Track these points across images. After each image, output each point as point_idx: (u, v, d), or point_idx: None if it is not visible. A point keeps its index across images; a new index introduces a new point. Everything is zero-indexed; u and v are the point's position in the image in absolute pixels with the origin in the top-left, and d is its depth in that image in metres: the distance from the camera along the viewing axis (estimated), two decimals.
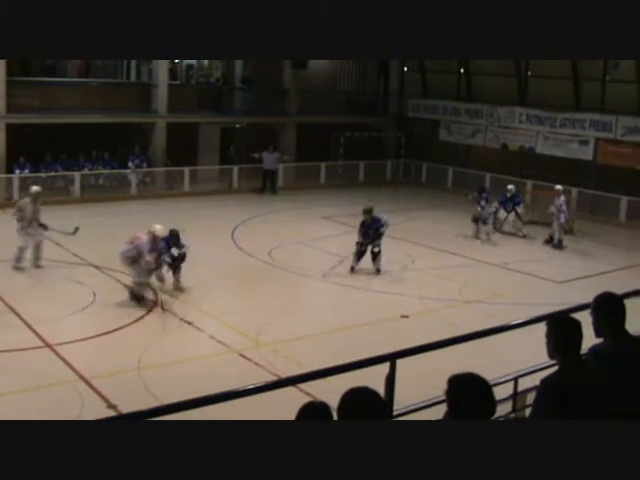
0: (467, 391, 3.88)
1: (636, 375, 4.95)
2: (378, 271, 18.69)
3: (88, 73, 32.60)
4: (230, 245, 21.41)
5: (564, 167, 29.18)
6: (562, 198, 23.16)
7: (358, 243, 18.85)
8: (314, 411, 3.87)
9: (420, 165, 34.88)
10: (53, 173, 27.60)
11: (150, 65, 30.97)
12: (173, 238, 16.70)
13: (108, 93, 30.08)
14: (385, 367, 5.92)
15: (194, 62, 35.22)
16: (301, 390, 9.00)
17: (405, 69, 37.25)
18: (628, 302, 5.40)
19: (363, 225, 18.92)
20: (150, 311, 15.33)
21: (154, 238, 15.79)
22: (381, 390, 4.79)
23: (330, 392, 5.66)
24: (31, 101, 27.63)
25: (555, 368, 4.89)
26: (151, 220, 23.08)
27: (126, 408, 9.46)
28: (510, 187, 24.87)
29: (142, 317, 15.02)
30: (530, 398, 6.65)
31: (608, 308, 5.20)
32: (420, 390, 6.98)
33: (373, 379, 4.56)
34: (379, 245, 18.70)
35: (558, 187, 23.55)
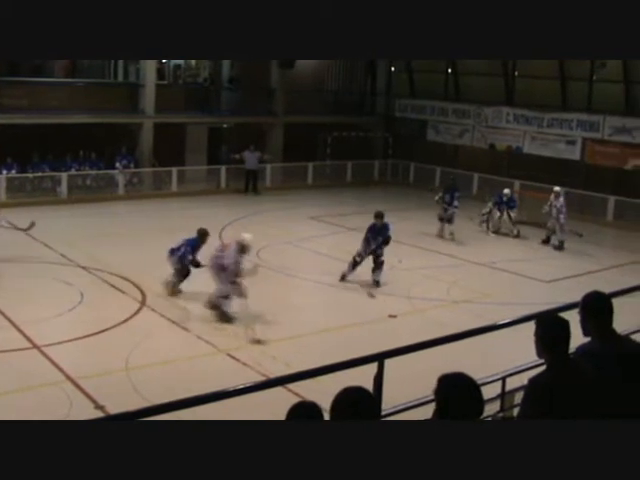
0: (456, 391, 3.89)
1: (622, 374, 4.96)
2: (377, 283, 17.93)
3: (74, 73, 32.46)
4: (218, 245, 21.36)
5: (552, 167, 29.30)
6: (561, 199, 23.24)
7: (364, 252, 17.92)
8: (304, 411, 3.87)
9: (408, 165, 34.92)
10: (40, 174, 27.52)
11: (137, 65, 30.88)
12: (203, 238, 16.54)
13: (95, 93, 29.98)
14: (373, 367, 5.92)
15: (181, 62, 35.15)
16: (290, 390, 9.00)
17: (392, 69, 37.30)
18: (616, 301, 5.41)
19: (372, 229, 18.08)
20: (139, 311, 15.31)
21: (242, 248, 15.00)
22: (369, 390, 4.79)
23: (319, 392, 5.67)
24: (18, 101, 27.53)
25: (543, 367, 4.90)
26: (139, 220, 23.05)
27: (114, 409, 9.45)
28: (506, 191, 25.01)
29: (130, 318, 14.99)
30: (518, 397, 6.67)
31: (595, 307, 5.21)
32: (408, 390, 6.98)
33: (361, 379, 4.55)
34: (383, 254, 17.98)
35: (557, 189, 23.64)
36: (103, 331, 14.18)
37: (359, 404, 3.68)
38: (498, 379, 7.17)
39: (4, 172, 26.85)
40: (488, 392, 5.65)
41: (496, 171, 30.55)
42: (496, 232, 24.69)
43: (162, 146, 29.74)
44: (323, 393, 3.95)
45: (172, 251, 16.31)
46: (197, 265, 16.38)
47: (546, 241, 23.51)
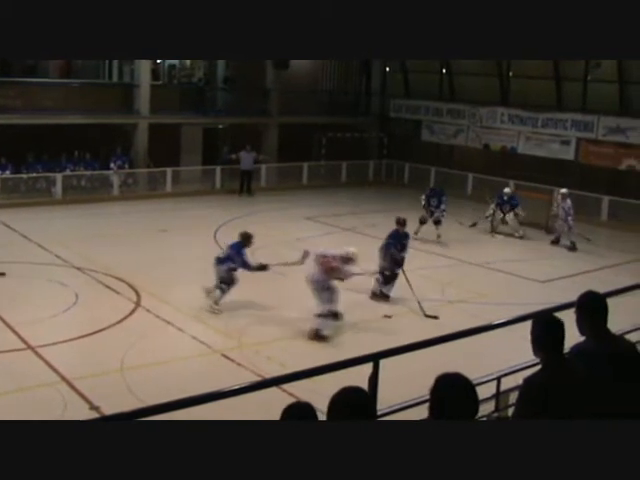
0: (452, 390, 3.89)
1: (613, 374, 4.97)
2: (387, 297, 16.96)
3: (69, 73, 32.44)
4: (213, 246, 21.33)
5: (546, 167, 29.34)
6: (568, 201, 23.21)
7: (391, 267, 16.87)
8: (298, 411, 3.87)
9: (402, 165, 34.91)
10: (35, 174, 27.47)
11: (132, 65, 30.86)
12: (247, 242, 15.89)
13: (90, 93, 29.94)
14: (369, 367, 5.93)
15: (176, 62, 35.13)
16: (284, 391, 9.00)
17: (387, 69, 37.30)
18: (610, 301, 5.43)
19: (396, 236, 17.14)
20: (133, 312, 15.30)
21: (347, 261, 14.53)
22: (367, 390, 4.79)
23: (313, 392, 5.68)
24: (12, 101, 27.47)
25: (537, 367, 4.91)
26: (134, 221, 23.01)
27: (109, 409, 9.43)
28: (507, 190, 25.02)
29: (124, 318, 14.96)
30: (513, 397, 6.68)
31: (590, 307, 5.23)
32: (403, 390, 6.99)
33: (357, 379, 4.55)
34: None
35: (563, 190, 23.61)
36: (98, 332, 14.15)
37: (357, 404, 3.68)
38: (493, 379, 7.19)
39: None
40: (483, 392, 5.65)
41: (491, 171, 30.53)
42: (500, 233, 24.64)
43: (157, 146, 29.69)
44: (318, 393, 3.94)
45: (219, 260, 15.62)
46: (263, 268, 15.76)
47: (555, 242, 23.54)
